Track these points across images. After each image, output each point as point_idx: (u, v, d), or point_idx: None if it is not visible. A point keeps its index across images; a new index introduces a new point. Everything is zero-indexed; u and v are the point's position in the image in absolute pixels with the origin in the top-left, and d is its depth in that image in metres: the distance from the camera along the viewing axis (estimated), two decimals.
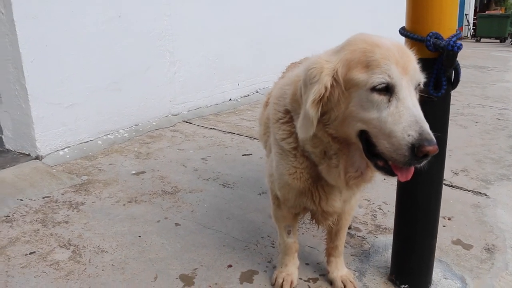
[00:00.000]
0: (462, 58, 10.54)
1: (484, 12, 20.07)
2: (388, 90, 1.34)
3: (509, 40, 18.52)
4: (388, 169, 1.40)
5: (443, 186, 3.13)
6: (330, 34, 7.33)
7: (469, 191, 3.10)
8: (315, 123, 1.44)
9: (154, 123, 4.49)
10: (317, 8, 7.18)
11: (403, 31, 1.78)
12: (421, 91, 1.52)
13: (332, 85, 1.40)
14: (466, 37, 18.09)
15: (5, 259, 2.28)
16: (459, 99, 5.91)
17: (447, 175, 3.35)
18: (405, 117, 1.31)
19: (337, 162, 1.55)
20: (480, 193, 3.07)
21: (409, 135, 1.28)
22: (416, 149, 1.27)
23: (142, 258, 2.30)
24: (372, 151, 1.40)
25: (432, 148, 1.26)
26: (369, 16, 8.84)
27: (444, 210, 2.79)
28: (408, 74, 1.36)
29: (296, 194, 1.78)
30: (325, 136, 1.51)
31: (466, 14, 17.74)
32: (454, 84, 1.80)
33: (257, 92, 6.07)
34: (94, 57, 3.95)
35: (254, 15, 5.83)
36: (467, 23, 18.01)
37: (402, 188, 2.01)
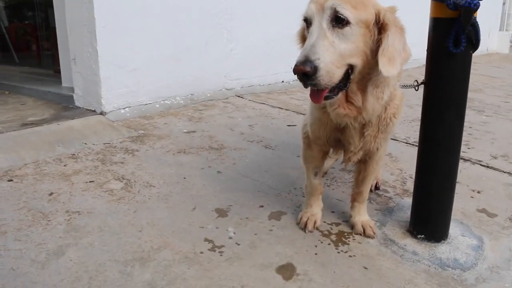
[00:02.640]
0: None
1: None
2: (308, 23, 1.66)
3: None
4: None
5: (479, 166, 3.20)
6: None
7: (505, 172, 3.13)
8: None
9: (208, 94, 4.81)
10: None
11: None
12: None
13: None
14: None
15: (70, 183, 2.65)
16: None
17: (485, 158, 3.38)
18: (304, 45, 1.60)
19: None
20: None
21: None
22: None
23: (184, 193, 2.57)
24: None
25: (295, 68, 1.53)
26: None
27: (474, 185, 2.88)
28: (323, 10, 1.60)
29: (327, 129, 1.99)
30: None
31: None
32: (474, 44, 1.91)
33: None
34: (158, 29, 4.31)
35: None
36: None
37: (423, 141, 2.13)
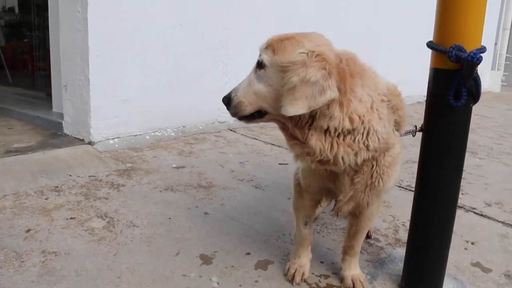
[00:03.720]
0: None
1: None
2: None
3: None
4: None
5: (473, 214, 3.14)
6: (390, 60, 7.46)
7: (499, 221, 3.06)
8: None
9: (200, 127, 4.74)
10: (377, 37, 7.29)
11: (430, 44, 1.89)
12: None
13: None
14: None
15: (49, 219, 2.54)
16: (509, 140, 5.77)
17: (479, 205, 3.32)
18: None
19: None
20: (511, 225, 3.03)
21: None
22: None
23: (168, 236, 2.47)
24: None
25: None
26: None
27: (468, 235, 2.80)
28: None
29: (317, 178, 1.93)
30: None
31: None
32: (475, 97, 1.87)
33: None
34: (153, 59, 4.27)
35: None
36: None
37: (419, 194, 2.07)
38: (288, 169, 3.76)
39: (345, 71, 1.64)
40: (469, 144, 1.98)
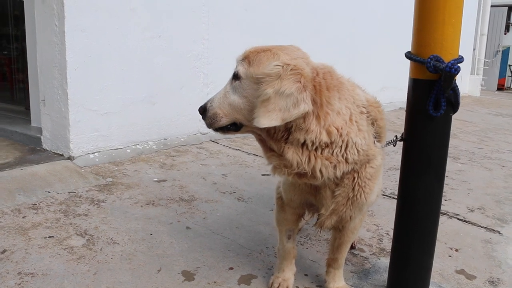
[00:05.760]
0: (499, 106, 10.40)
1: None
2: None
3: None
4: None
5: (456, 220, 3.15)
6: (370, 67, 7.51)
7: (482, 227, 3.08)
8: None
9: (182, 139, 4.69)
10: (358, 45, 7.35)
11: (408, 54, 1.90)
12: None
13: None
14: (509, 88, 17.85)
15: (26, 239, 2.47)
16: (489, 144, 5.84)
17: (462, 211, 3.34)
18: None
19: None
20: (494, 230, 3.04)
21: None
22: None
23: (150, 252, 2.42)
24: None
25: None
26: None
27: (452, 242, 2.81)
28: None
29: (299, 192, 1.92)
30: None
31: (509, 65, 17.59)
32: (454, 107, 1.87)
33: None
34: (132, 71, 4.22)
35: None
36: (510, 74, 17.85)
37: (402, 203, 2.06)
38: (271, 180, 3.73)
39: (321, 85, 1.63)
40: (451, 149, 1.99)
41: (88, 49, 3.83)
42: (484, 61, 12.96)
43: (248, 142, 5.09)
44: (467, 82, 11.89)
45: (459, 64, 1.74)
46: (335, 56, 7.00)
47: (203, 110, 1.79)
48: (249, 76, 1.67)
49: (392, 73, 8.20)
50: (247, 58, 1.70)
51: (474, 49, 12.34)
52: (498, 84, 16.76)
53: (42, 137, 4.03)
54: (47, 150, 3.97)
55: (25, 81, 6.09)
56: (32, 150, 4.02)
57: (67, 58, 3.69)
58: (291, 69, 1.59)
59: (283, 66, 1.59)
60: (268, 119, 1.57)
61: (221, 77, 5.12)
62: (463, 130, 6.75)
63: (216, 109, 1.75)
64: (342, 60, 7.11)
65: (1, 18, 7.66)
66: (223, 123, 1.76)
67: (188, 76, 4.77)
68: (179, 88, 4.69)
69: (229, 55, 5.37)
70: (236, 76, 1.72)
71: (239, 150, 4.70)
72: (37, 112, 4.28)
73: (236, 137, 5.24)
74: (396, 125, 6.56)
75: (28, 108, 4.81)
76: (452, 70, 1.70)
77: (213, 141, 4.93)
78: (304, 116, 1.60)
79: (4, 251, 2.33)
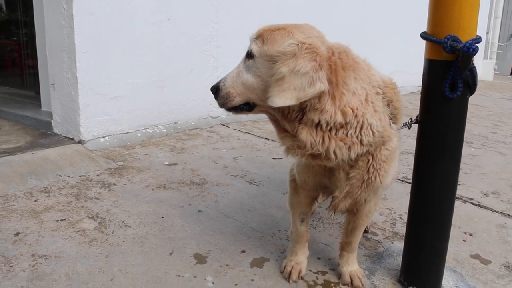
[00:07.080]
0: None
1: None
2: None
3: None
4: None
5: (470, 205, 3.10)
6: (381, 51, 7.40)
7: (496, 211, 3.03)
8: None
9: (192, 123, 4.67)
10: (368, 28, 7.24)
11: (423, 34, 1.83)
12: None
13: None
14: None
15: (39, 222, 2.47)
16: (503, 129, 5.75)
17: (476, 195, 3.29)
18: None
19: None
20: (509, 215, 3.00)
21: None
22: None
23: (161, 235, 2.41)
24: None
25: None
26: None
27: (467, 227, 2.77)
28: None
29: (313, 174, 1.89)
30: None
31: None
32: (471, 88, 1.82)
33: None
34: (142, 55, 4.19)
35: None
36: None
37: (416, 188, 2.03)
38: (282, 164, 3.71)
39: (337, 64, 1.59)
40: (465, 134, 1.95)
41: (96, 33, 3.80)
42: (498, 44, 12.73)
43: (259, 125, 5.07)
44: (480, 66, 11.69)
45: (477, 44, 1.68)
46: (345, 40, 6.91)
47: (216, 90, 1.75)
48: (263, 54, 1.63)
49: (403, 57, 8.09)
50: (261, 37, 1.66)
51: (487, 33, 12.13)
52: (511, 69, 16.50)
53: (52, 121, 4.03)
54: (58, 134, 3.97)
55: (35, 67, 6.08)
56: (43, 134, 4.02)
57: (75, 41, 3.67)
58: (306, 48, 1.54)
59: (298, 44, 1.55)
60: (282, 99, 1.53)
61: (231, 60, 5.07)
62: (476, 115, 6.65)
63: (229, 89, 1.71)
64: (352, 44, 7.01)
65: (10, 4, 7.65)
66: (236, 102, 1.72)
67: (197, 60, 4.73)
68: (189, 72, 4.65)
69: (238, 38, 5.36)
70: (249, 55, 1.68)
71: (250, 133, 4.67)
72: (47, 96, 4.27)
73: (247, 120, 5.21)
74: (408, 109, 6.47)
75: (38, 93, 4.81)
76: (470, 50, 1.64)
77: (224, 125, 4.90)
78: (319, 96, 1.56)
79: (17, 234, 2.34)
